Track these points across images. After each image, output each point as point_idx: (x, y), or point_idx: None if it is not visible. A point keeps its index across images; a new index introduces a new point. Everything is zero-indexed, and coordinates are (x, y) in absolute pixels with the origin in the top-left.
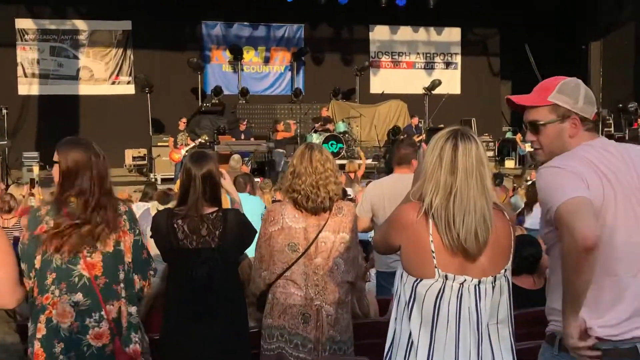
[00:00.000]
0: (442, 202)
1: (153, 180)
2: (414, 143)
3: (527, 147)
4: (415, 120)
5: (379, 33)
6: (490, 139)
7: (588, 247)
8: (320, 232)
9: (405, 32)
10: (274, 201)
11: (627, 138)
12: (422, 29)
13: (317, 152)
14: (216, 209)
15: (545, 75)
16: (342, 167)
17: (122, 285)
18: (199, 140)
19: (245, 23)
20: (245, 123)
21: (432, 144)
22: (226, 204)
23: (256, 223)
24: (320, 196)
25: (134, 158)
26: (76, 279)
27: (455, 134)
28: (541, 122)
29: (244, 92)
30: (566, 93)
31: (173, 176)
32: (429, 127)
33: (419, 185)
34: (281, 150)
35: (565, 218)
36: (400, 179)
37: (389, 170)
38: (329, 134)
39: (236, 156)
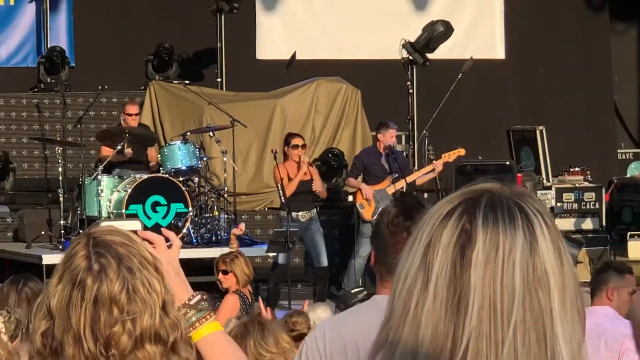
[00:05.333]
0: None
1: None
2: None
3: None
4: (391, 136)
5: None
6: (589, 183)
7: None
8: None
9: None
10: None
11: None
12: None
13: (111, 275)
14: None
15: None
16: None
17: None
18: None
19: None
20: None
21: (416, 230)
22: None
23: None
24: None
25: None
26: None
27: (471, 206)
28: None
29: None
30: None
31: None
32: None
33: (380, 342)
34: (303, 216)
35: None
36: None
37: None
38: (146, 176)
39: None
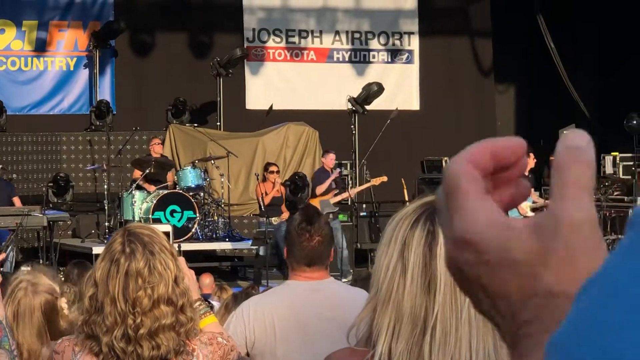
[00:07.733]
0: (411, 348)
1: None
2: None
3: (529, 205)
4: (331, 159)
5: None
6: None
7: None
8: None
9: None
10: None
11: None
12: None
13: (138, 256)
14: None
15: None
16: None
17: None
18: None
19: None
20: None
21: (389, 233)
22: None
23: None
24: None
25: None
26: None
27: (431, 214)
28: None
29: None
30: None
31: None
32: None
33: (365, 315)
34: (275, 220)
35: None
36: (305, 292)
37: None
38: (166, 191)
39: None
